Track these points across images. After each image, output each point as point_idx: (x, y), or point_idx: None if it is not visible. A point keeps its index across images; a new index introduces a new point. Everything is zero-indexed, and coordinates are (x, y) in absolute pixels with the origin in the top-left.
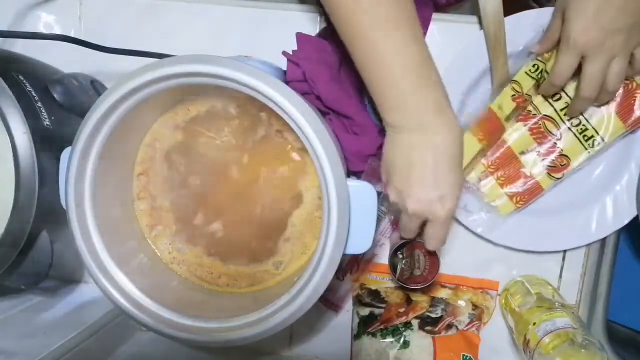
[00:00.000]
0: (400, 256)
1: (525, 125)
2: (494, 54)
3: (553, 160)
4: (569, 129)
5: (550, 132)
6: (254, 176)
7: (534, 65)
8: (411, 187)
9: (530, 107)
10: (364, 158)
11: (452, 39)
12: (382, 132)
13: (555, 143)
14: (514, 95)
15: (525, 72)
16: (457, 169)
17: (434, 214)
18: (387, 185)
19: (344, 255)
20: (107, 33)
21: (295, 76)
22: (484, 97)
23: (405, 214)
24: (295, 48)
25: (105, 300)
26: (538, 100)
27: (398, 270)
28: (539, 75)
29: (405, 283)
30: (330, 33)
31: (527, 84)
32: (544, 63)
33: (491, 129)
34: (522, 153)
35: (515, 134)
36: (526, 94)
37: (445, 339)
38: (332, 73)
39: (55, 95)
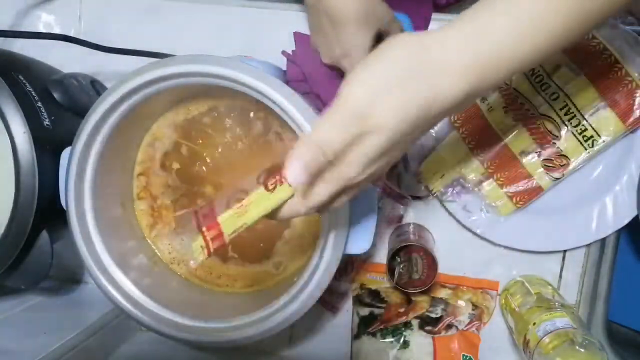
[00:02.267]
0: (398, 260)
1: (524, 126)
2: None
3: (553, 160)
4: (569, 129)
5: (550, 133)
6: (254, 176)
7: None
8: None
9: (521, 100)
10: None
11: None
12: None
13: (555, 143)
14: (502, 87)
15: (524, 73)
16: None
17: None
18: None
19: (344, 255)
20: (107, 33)
21: (295, 76)
22: None
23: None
24: (295, 48)
25: (105, 300)
26: (524, 88)
27: (396, 275)
28: (531, 72)
29: (404, 287)
30: None
31: (517, 78)
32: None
33: (468, 116)
34: (522, 153)
35: (514, 133)
36: (513, 88)
37: (445, 339)
38: (331, 71)
39: (55, 95)
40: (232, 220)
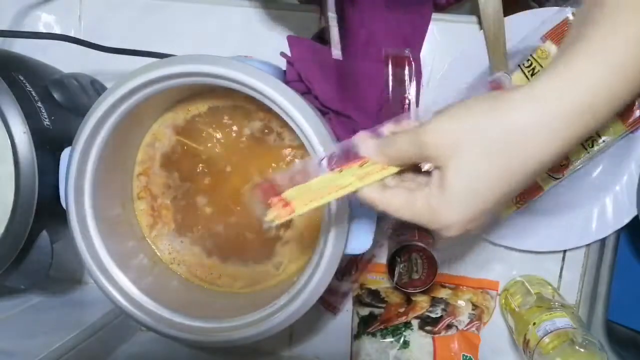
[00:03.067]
0: (398, 260)
1: None
2: (494, 54)
3: None
4: None
5: None
6: (254, 176)
7: (527, 60)
8: None
9: None
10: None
11: (452, 39)
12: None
13: None
14: None
15: (519, 65)
16: None
17: None
18: None
19: (344, 255)
20: (107, 33)
21: (294, 76)
22: None
23: None
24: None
25: (105, 300)
26: None
27: (396, 275)
28: (531, 72)
29: (404, 287)
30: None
31: (518, 79)
32: (537, 62)
33: None
34: None
35: None
36: None
37: (445, 339)
38: (327, 73)
39: (55, 95)
40: (299, 194)
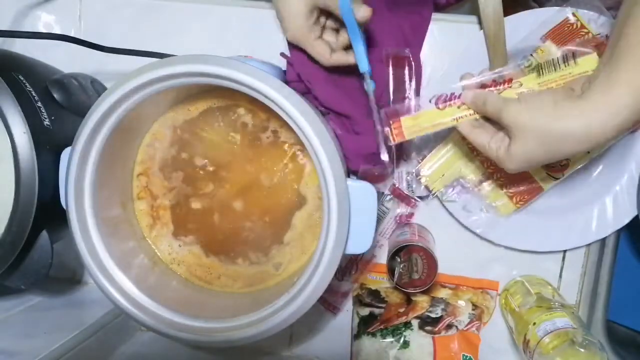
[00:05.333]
0: (398, 260)
1: None
2: (494, 54)
3: None
4: None
5: None
6: (254, 176)
7: (527, 60)
8: None
9: None
10: (364, 157)
11: (452, 39)
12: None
13: None
14: None
15: (519, 65)
16: None
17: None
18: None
19: (344, 255)
20: (107, 33)
21: (294, 76)
22: None
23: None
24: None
25: (105, 300)
26: None
27: (396, 275)
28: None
29: (404, 287)
30: None
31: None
32: (537, 61)
33: None
34: None
35: None
36: None
37: (445, 339)
38: (327, 74)
39: (55, 95)
40: (412, 123)
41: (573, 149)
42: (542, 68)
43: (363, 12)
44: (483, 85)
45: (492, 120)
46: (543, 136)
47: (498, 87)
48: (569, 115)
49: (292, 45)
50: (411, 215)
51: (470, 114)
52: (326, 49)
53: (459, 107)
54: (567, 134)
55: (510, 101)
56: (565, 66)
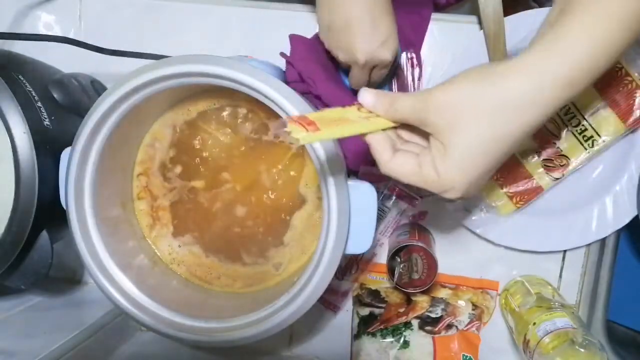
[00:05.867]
0: (398, 260)
1: None
2: (494, 54)
3: (553, 160)
4: (569, 129)
5: (550, 133)
6: (253, 176)
7: None
8: (355, 42)
9: None
10: (364, 156)
11: (452, 39)
12: None
13: (555, 143)
14: None
15: None
16: (389, 13)
17: (381, 58)
18: (333, 49)
19: (344, 255)
20: (107, 33)
21: (294, 76)
22: None
23: (356, 67)
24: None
25: (105, 300)
26: None
27: (396, 275)
28: None
29: (404, 287)
30: None
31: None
32: None
33: None
34: (522, 153)
35: None
36: None
37: (445, 339)
38: (329, 72)
39: (55, 95)
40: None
41: (524, 119)
42: None
43: None
44: None
45: (407, 136)
46: (486, 107)
47: None
48: (514, 73)
49: (295, 42)
50: (424, 213)
51: (377, 119)
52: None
53: (359, 109)
54: (514, 97)
55: (431, 88)
56: None
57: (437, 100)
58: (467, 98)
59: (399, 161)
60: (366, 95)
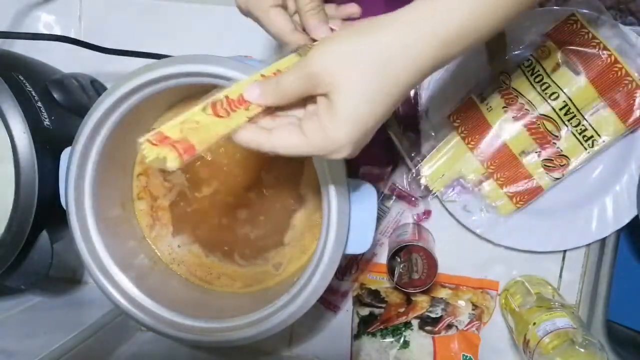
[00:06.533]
0: (398, 260)
1: (524, 126)
2: (494, 53)
3: (553, 160)
4: (569, 129)
5: (550, 133)
6: (253, 176)
7: (527, 60)
8: None
9: (521, 100)
10: (364, 157)
11: None
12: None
13: (555, 143)
14: (501, 87)
15: (519, 65)
16: None
17: None
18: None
19: (344, 255)
20: (107, 33)
21: None
22: None
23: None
24: None
25: (105, 300)
26: (523, 88)
27: (396, 275)
28: (530, 72)
29: (404, 287)
30: None
31: (517, 77)
32: (537, 61)
33: (467, 116)
34: (522, 153)
35: (510, 131)
36: (512, 88)
37: (445, 339)
38: None
39: (55, 95)
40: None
41: (402, 76)
42: None
43: (351, 9)
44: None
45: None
46: (365, 62)
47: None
48: (389, 28)
49: None
50: (428, 213)
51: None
52: (286, 22)
53: (247, 109)
54: (390, 53)
55: (308, 56)
56: None
57: (317, 65)
58: (346, 55)
59: (281, 135)
60: (251, 92)
